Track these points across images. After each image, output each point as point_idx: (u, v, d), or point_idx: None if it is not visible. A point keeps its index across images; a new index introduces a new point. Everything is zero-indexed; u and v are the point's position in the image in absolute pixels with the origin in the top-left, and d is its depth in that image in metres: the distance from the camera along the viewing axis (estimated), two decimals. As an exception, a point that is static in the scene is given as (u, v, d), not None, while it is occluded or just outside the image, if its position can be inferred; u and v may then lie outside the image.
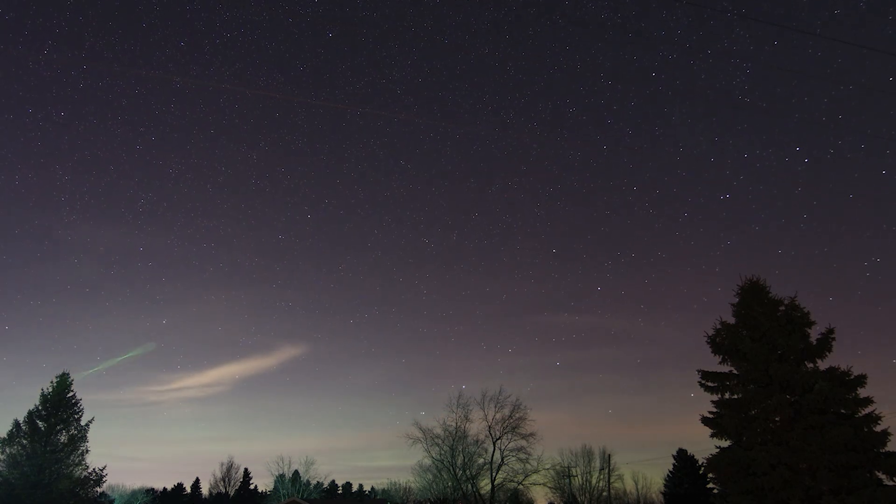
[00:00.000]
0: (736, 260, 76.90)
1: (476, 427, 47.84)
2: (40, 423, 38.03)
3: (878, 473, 19.73)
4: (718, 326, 23.76)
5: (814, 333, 22.04)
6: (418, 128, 79.57)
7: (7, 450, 36.86)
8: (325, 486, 76.29)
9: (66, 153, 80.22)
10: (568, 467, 55.46)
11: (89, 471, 38.82)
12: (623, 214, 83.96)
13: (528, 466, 45.65)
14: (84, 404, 40.11)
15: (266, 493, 79.67)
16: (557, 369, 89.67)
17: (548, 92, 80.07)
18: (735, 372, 22.83)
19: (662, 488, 55.27)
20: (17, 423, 37.72)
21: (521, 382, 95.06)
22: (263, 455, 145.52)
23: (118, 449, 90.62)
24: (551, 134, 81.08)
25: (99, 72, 77.40)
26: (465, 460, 46.75)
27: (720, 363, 23.34)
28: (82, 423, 39.40)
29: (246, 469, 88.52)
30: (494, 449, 45.98)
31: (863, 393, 20.68)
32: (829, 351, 21.79)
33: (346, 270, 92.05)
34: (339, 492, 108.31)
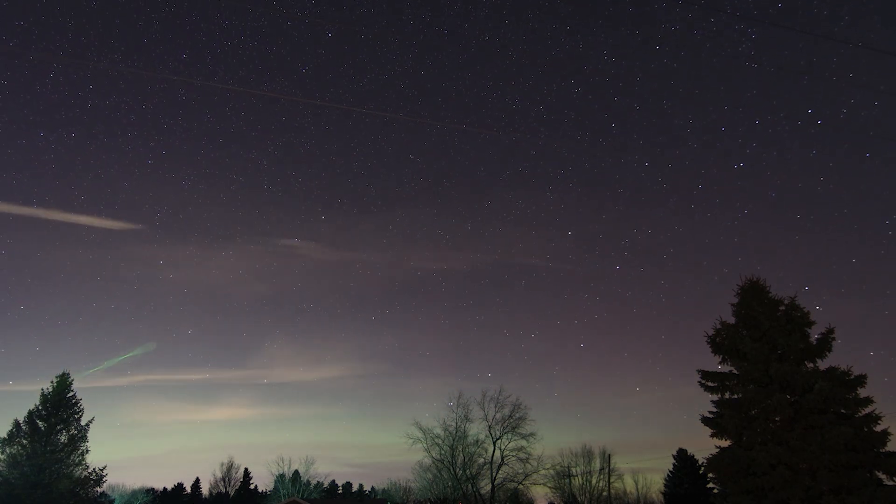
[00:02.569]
0: (754, 229, 75.95)
1: (476, 427, 47.84)
2: (40, 423, 38.03)
3: (878, 473, 19.73)
4: (718, 326, 23.78)
5: (814, 333, 22.07)
6: (424, 121, 79.34)
7: (7, 450, 36.86)
8: (325, 486, 76.27)
9: (81, 174, 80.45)
10: (568, 467, 55.51)
11: (89, 471, 38.84)
12: (637, 191, 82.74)
13: (528, 466, 45.75)
14: (84, 404, 40.18)
15: (266, 492, 79.71)
16: (582, 351, 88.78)
17: (551, 74, 79.30)
18: (735, 372, 22.83)
19: (662, 488, 55.35)
20: (17, 423, 37.73)
21: (547, 367, 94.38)
22: (265, 454, 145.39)
23: (118, 449, 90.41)
24: (558, 116, 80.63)
25: (105, 90, 78.48)
26: (465, 460, 46.80)
27: (720, 363, 23.37)
28: (82, 422, 39.46)
29: (246, 469, 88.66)
30: (494, 449, 46.09)
31: (863, 393, 20.70)
32: (829, 351, 21.78)
33: (363, 268, 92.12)
34: (339, 492, 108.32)
